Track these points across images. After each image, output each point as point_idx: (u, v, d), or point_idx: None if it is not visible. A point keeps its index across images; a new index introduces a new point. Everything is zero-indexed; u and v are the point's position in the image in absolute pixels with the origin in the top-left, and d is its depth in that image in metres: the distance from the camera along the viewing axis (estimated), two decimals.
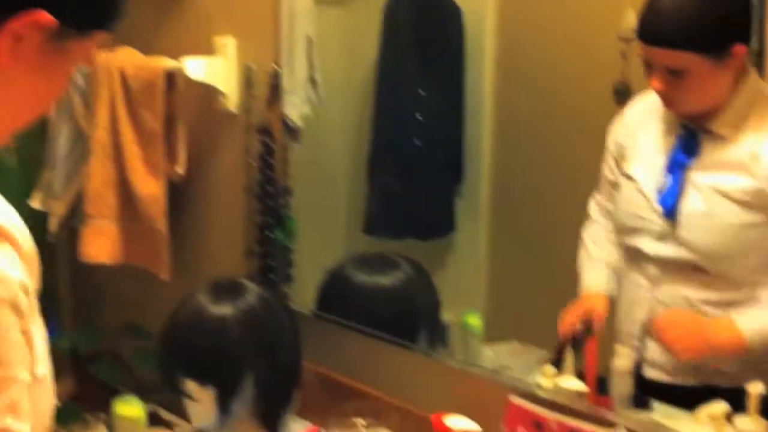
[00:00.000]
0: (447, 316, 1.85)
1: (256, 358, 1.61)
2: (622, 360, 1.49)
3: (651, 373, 1.50)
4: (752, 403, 1.25)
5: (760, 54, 1.42)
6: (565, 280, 1.66)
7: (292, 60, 1.90)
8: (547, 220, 1.79)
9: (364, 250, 2.00)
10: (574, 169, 1.75)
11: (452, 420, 1.42)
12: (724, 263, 1.41)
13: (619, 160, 1.55)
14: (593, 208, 1.62)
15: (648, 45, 1.41)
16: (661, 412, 1.46)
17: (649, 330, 1.50)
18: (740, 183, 1.40)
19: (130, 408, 1.63)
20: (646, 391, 1.48)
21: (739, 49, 1.38)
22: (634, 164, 1.52)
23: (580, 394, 1.48)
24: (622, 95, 1.60)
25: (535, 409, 1.46)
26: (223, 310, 1.61)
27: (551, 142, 1.81)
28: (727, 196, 1.41)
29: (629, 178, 1.52)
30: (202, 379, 1.61)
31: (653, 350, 1.50)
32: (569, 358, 1.52)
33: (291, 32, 1.90)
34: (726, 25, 1.39)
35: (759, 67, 1.43)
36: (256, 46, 1.97)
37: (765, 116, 1.40)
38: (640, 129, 1.53)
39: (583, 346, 1.49)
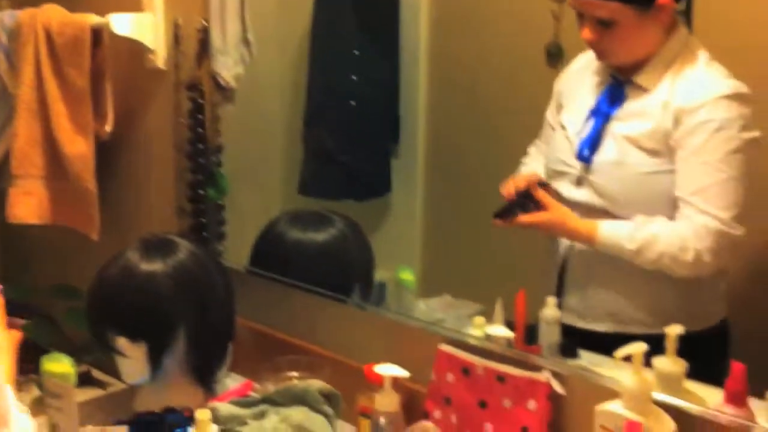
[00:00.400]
0: (383, 274, 1.86)
1: (188, 314, 1.61)
2: (550, 310, 1.52)
3: (568, 319, 1.53)
4: (670, 343, 1.29)
5: (687, 13, 1.46)
6: (496, 238, 1.68)
7: (223, 20, 1.87)
8: (481, 180, 1.81)
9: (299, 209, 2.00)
10: (507, 129, 1.78)
11: (382, 367, 1.43)
12: (632, 210, 1.45)
13: (558, 109, 1.59)
14: (532, 148, 1.66)
15: None
16: (587, 360, 1.49)
17: (564, 275, 1.54)
18: (650, 130, 1.44)
19: (58, 365, 1.61)
20: (566, 338, 1.52)
21: (665, 1, 1.41)
22: (567, 113, 1.56)
23: (508, 341, 1.50)
24: (554, 56, 1.63)
25: (463, 355, 1.49)
26: (153, 266, 1.60)
27: (485, 102, 1.83)
28: (637, 144, 1.45)
29: (562, 126, 1.56)
30: (133, 335, 1.60)
31: (570, 296, 1.54)
32: (498, 309, 1.55)
33: None
34: None
35: (688, 26, 1.46)
36: (185, 1, 1.94)
37: (684, 68, 1.43)
38: (578, 81, 1.56)
39: (528, 209, 1.52)
